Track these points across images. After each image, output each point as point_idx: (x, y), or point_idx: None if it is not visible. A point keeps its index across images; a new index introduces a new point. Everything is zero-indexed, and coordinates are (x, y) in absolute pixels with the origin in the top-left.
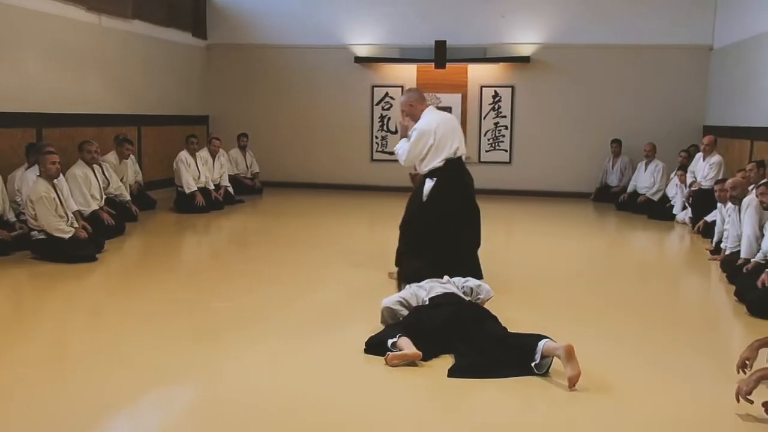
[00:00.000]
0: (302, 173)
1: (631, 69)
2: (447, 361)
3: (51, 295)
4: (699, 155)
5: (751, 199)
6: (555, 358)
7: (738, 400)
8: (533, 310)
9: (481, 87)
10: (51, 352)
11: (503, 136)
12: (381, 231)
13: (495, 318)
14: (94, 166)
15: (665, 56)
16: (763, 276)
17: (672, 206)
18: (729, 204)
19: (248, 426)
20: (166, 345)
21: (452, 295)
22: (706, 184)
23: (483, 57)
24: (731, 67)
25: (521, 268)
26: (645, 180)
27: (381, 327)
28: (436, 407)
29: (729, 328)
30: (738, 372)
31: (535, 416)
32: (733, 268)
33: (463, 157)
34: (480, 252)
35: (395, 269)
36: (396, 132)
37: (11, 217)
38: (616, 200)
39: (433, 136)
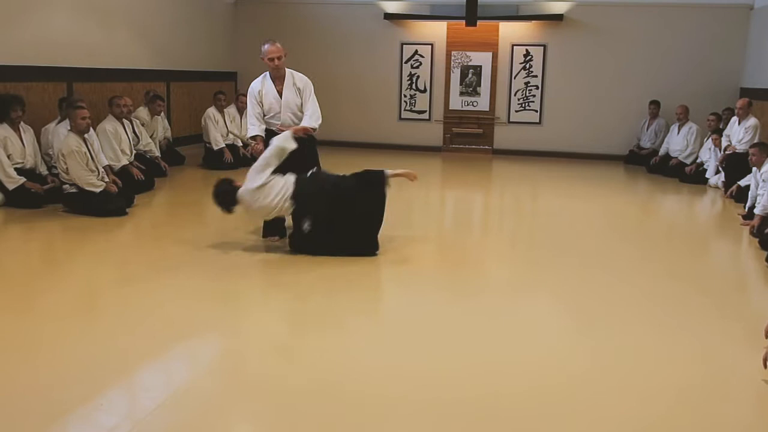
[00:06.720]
0: (329, 131)
1: (668, 29)
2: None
3: (81, 248)
4: (734, 119)
5: None
6: None
7: (765, 366)
8: (561, 270)
9: (513, 45)
10: (80, 302)
11: (534, 96)
12: (407, 191)
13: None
14: (125, 121)
15: (704, 15)
16: None
17: (705, 170)
18: (766, 166)
19: (268, 380)
20: (191, 298)
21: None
22: (741, 147)
23: (515, 15)
24: None
25: (549, 229)
26: (678, 143)
27: None
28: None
29: (758, 294)
30: (766, 337)
31: (558, 383)
32: (765, 234)
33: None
34: (508, 212)
35: None
36: (425, 91)
37: (43, 170)
38: (647, 163)
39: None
